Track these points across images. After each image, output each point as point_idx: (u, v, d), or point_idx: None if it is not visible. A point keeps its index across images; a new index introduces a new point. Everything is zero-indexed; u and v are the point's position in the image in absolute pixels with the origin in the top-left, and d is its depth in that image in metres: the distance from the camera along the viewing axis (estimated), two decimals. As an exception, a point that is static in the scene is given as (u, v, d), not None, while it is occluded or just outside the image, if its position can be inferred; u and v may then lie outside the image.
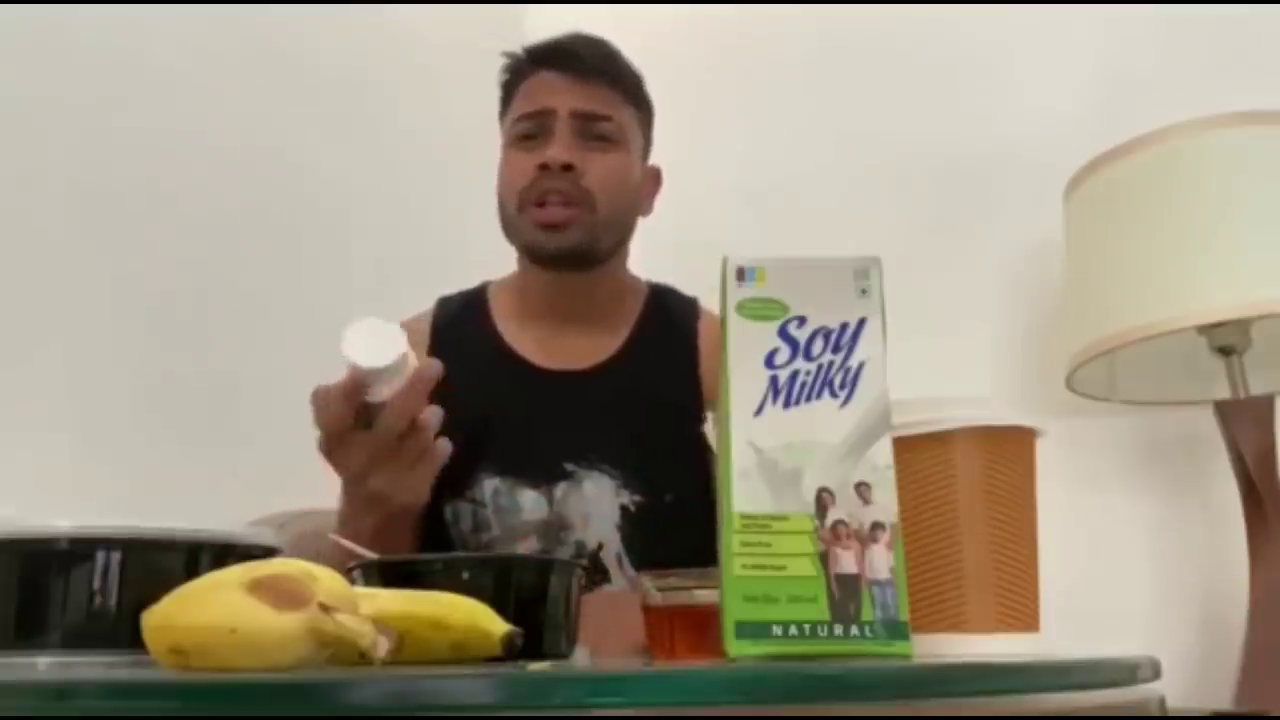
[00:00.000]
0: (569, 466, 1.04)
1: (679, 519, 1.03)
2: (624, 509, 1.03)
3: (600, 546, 1.03)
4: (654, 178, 1.18)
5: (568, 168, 1.03)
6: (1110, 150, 1.20)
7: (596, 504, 1.03)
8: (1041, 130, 1.52)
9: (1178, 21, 1.45)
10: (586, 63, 1.07)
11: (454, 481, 1.06)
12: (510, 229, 1.09)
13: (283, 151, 1.58)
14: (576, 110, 1.05)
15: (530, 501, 1.04)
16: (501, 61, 1.13)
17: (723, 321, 0.57)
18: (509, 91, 1.12)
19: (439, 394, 1.09)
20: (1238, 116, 1.12)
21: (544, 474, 1.04)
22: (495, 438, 1.06)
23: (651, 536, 1.03)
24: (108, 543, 0.54)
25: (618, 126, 1.08)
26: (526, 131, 1.07)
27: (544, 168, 1.03)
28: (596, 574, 1.00)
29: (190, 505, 1.25)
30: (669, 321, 1.14)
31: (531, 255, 1.08)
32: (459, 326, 1.14)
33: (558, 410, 1.07)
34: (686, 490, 1.04)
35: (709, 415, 1.11)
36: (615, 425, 1.05)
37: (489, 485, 1.04)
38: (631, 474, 1.03)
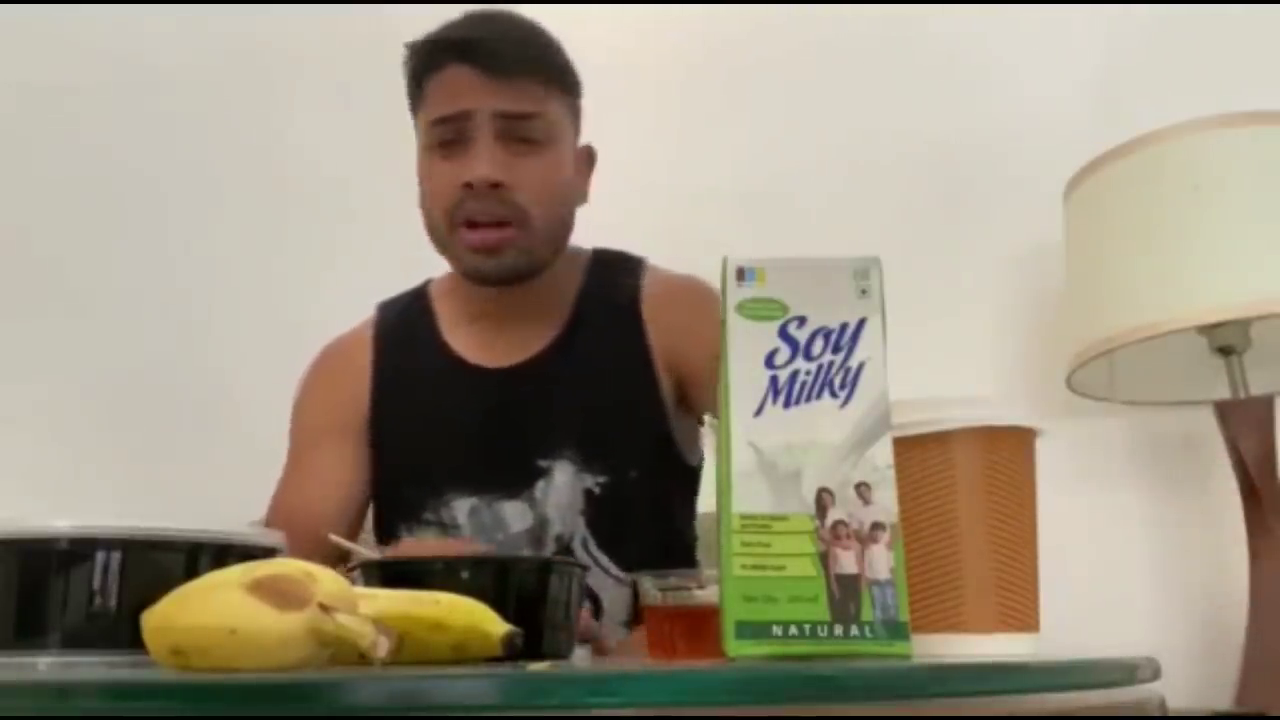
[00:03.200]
0: (542, 463, 0.99)
1: (644, 495, 1.01)
2: (588, 493, 0.99)
3: (563, 539, 1.00)
4: (586, 159, 1.07)
5: (495, 185, 0.93)
6: (1110, 150, 1.20)
7: (566, 493, 0.99)
8: (1041, 130, 1.51)
9: (1178, 21, 1.45)
10: (505, 56, 0.95)
11: (409, 505, 1.01)
12: (441, 245, 1.00)
13: (282, 150, 1.57)
14: (500, 111, 0.94)
15: (514, 513, 1.00)
16: (404, 51, 1.01)
17: (723, 322, 0.57)
18: (418, 84, 0.99)
19: (395, 416, 1.05)
20: (1238, 116, 1.12)
21: (522, 479, 0.99)
22: (460, 454, 1.01)
23: (617, 517, 1.00)
24: (108, 543, 0.54)
25: (545, 123, 0.97)
26: (446, 137, 0.96)
27: (469, 187, 0.93)
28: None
29: (189, 505, 1.24)
30: (610, 293, 1.07)
31: (468, 277, 1.01)
32: (402, 336, 1.08)
33: (516, 410, 1.02)
34: (648, 465, 1.01)
35: (705, 418, 1.09)
36: (571, 411, 1.01)
37: (462, 505, 1.00)
38: (593, 457, 1.00)
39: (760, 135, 1.77)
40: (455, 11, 0.99)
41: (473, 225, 0.95)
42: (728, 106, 1.81)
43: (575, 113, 1.05)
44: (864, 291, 0.56)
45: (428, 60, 0.98)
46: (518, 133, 0.95)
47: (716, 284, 0.57)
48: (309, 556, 0.80)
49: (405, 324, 1.09)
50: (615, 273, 1.08)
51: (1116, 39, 1.51)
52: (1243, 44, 1.41)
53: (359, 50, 1.73)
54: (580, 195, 1.06)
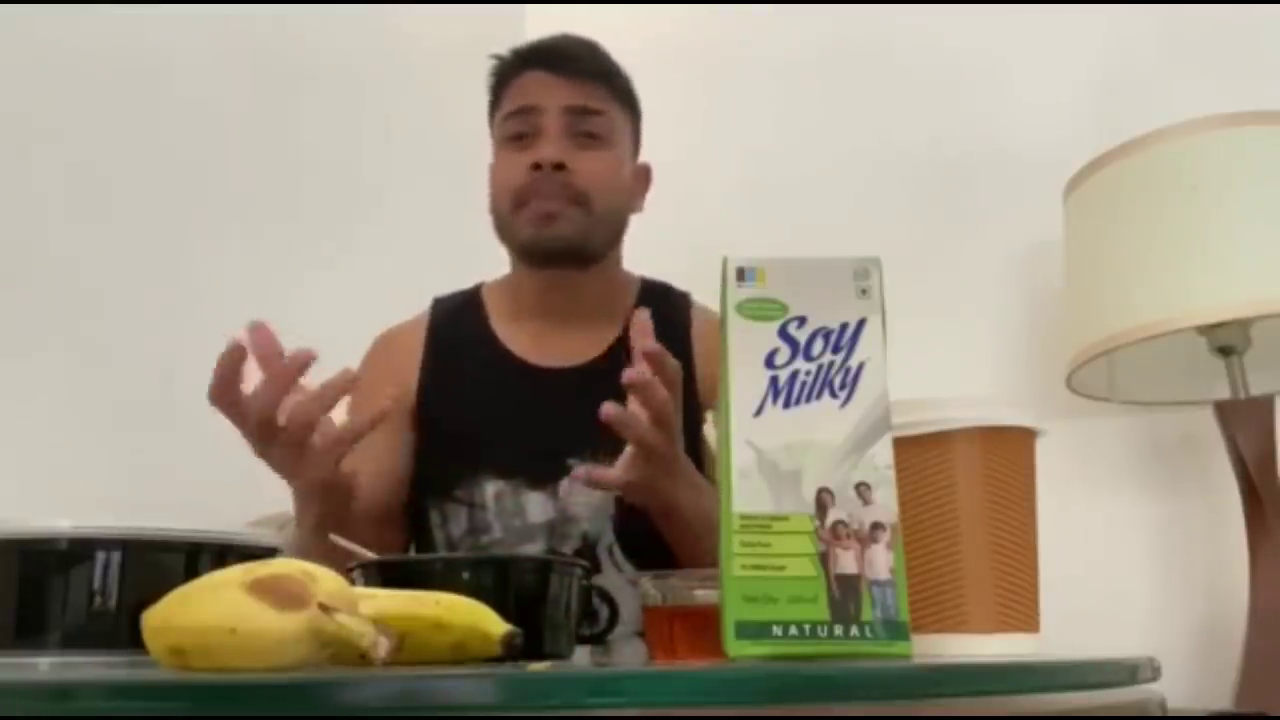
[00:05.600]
0: (572, 461, 1.03)
1: None
2: (619, 501, 1.02)
3: (589, 538, 1.03)
4: (644, 175, 1.18)
5: (559, 167, 1.03)
6: (1110, 150, 1.20)
7: (598, 495, 1.02)
8: (1041, 130, 1.51)
9: (1177, 21, 1.45)
10: (576, 61, 1.08)
11: (444, 482, 1.06)
12: (504, 229, 1.09)
13: (282, 151, 1.58)
14: (567, 105, 1.05)
15: (535, 504, 1.04)
16: (491, 63, 1.13)
17: (722, 321, 0.57)
18: (498, 93, 1.12)
19: (440, 397, 1.10)
20: (1238, 116, 1.12)
21: (548, 472, 1.03)
22: (495, 439, 1.06)
23: (646, 530, 1.01)
24: (108, 543, 0.54)
25: (608, 123, 1.08)
26: (517, 130, 1.07)
27: (536, 167, 1.03)
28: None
29: (189, 505, 1.24)
30: (662, 317, 1.12)
31: (526, 253, 1.08)
32: (455, 328, 1.15)
33: (556, 407, 1.06)
34: None
35: (708, 416, 1.10)
36: None
37: (490, 488, 1.04)
38: None
39: (760, 135, 1.77)
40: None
41: (536, 200, 1.04)
42: (731, 108, 1.81)
43: (635, 131, 1.15)
44: (864, 291, 0.56)
45: (508, 68, 1.10)
46: (582, 127, 1.06)
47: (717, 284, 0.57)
48: (354, 518, 0.85)
49: (458, 317, 1.16)
50: (667, 300, 1.15)
51: (1116, 39, 1.51)
52: (1243, 44, 1.41)
53: (367, 55, 1.73)
54: (636, 203, 1.16)
